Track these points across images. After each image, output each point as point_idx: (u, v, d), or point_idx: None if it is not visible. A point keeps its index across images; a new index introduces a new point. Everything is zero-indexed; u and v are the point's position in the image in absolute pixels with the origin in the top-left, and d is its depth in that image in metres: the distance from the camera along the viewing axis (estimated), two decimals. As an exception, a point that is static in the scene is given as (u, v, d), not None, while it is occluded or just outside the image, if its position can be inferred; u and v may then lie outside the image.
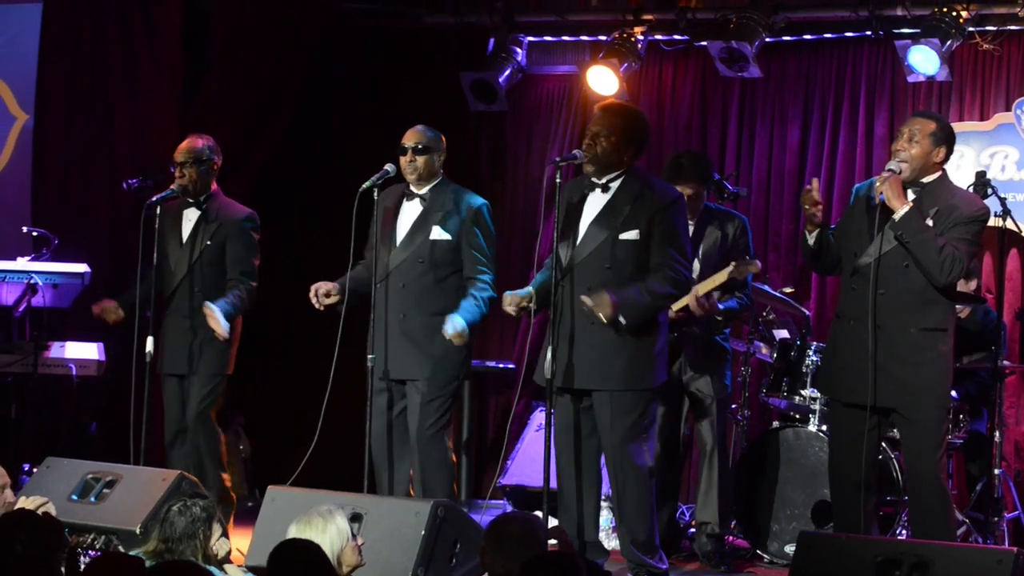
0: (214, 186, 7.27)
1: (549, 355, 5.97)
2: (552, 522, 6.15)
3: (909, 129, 5.93)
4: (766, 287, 7.54)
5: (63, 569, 4.26)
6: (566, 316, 6.06)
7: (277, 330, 8.83)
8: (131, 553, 4.94)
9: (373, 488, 6.58)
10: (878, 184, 5.86)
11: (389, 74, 9.47)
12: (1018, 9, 8.14)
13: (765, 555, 7.20)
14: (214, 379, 7.12)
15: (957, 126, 6.35)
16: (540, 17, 9.27)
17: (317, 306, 6.59)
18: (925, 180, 5.91)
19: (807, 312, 7.93)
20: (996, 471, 7.06)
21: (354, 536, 4.94)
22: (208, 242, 7.16)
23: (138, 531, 5.84)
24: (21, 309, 8.32)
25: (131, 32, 9.00)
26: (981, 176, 7.08)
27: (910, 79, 8.26)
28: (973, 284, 7.59)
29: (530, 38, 9.21)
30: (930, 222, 5.79)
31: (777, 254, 8.73)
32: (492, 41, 9.16)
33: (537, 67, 9.34)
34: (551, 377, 5.98)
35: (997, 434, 7.09)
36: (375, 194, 6.54)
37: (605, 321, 5.91)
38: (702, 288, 6.80)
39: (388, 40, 9.51)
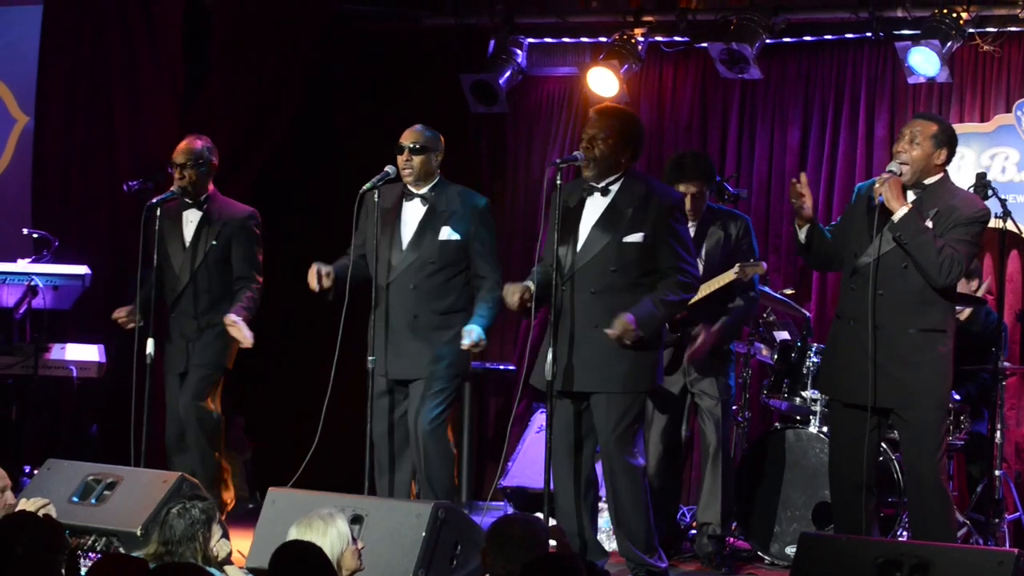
0: (211, 187, 7.28)
1: (550, 358, 5.97)
2: (552, 523, 6.14)
3: (910, 131, 5.92)
4: (767, 289, 7.53)
5: (63, 571, 4.26)
6: (566, 319, 6.06)
7: (277, 331, 8.82)
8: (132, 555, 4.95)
9: (374, 490, 6.57)
10: (877, 185, 5.86)
11: (389, 75, 9.46)
12: (1018, 10, 8.13)
13: (766, 556, 7.19)
14: (212, 368, 7.14)
15: (957, 127, 6.33)
16: (540, 19, 9.26)
17: (314, 286, 6.52)
18: (927, 182, 5.90)
19: (808, 314, 7.93)
20: (997, 472, 7.05)
21: (354, 540, 4.94)
22: (213, 242, 7.17)
23: (139, 533, 5.84)
24: (22, 311, 8.32)
25: (131, 32, 8.99)
26: (981, 177, 7.09)
27: (910, 80, 8.26)
28: (975, 285, 7.59)
29: (530, 40, 9.20)
30: (930, 223, 5.79)
31: (777, 255, 8.72)
32: (492, 43, 9.15)
33: (537, 69, 9.34)
34: (551, 379, 5.98)
35: (998, 435, 7.09)
36: (376, 195, 6.54)
37: (629, 343, 5.91)
38: (705, 289, 6.79)
39: (389, 41, 9.51)
